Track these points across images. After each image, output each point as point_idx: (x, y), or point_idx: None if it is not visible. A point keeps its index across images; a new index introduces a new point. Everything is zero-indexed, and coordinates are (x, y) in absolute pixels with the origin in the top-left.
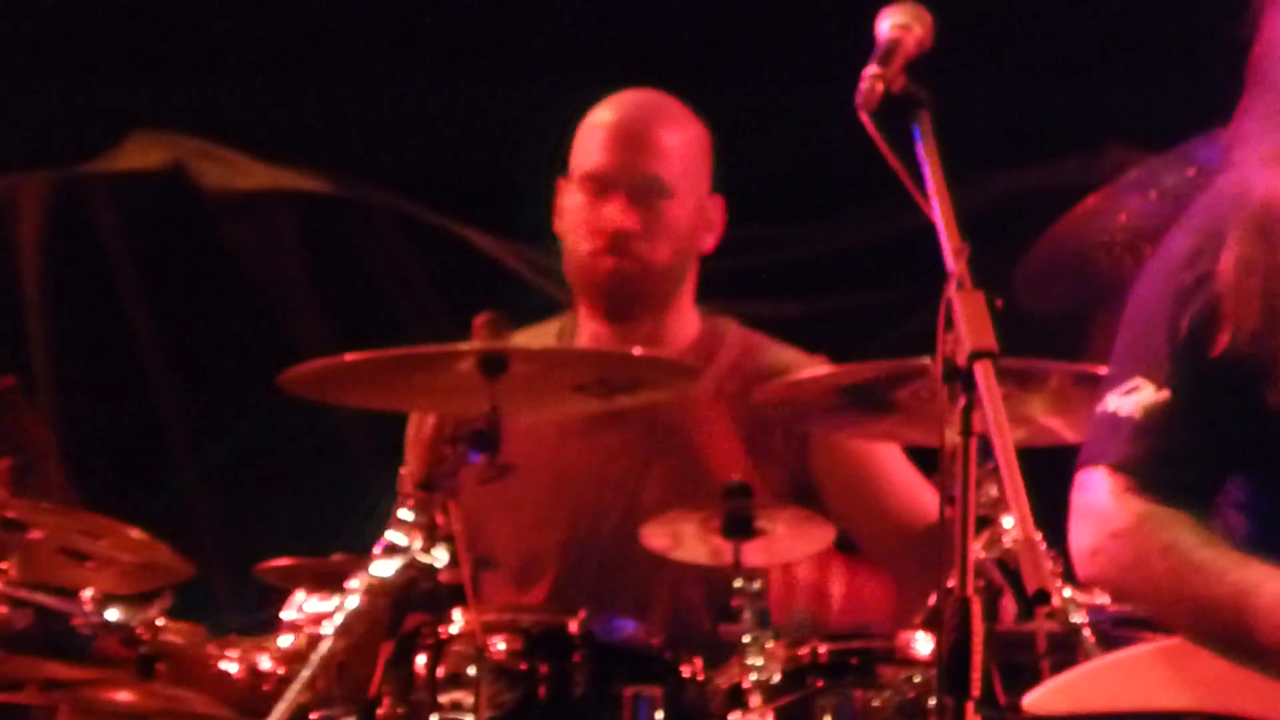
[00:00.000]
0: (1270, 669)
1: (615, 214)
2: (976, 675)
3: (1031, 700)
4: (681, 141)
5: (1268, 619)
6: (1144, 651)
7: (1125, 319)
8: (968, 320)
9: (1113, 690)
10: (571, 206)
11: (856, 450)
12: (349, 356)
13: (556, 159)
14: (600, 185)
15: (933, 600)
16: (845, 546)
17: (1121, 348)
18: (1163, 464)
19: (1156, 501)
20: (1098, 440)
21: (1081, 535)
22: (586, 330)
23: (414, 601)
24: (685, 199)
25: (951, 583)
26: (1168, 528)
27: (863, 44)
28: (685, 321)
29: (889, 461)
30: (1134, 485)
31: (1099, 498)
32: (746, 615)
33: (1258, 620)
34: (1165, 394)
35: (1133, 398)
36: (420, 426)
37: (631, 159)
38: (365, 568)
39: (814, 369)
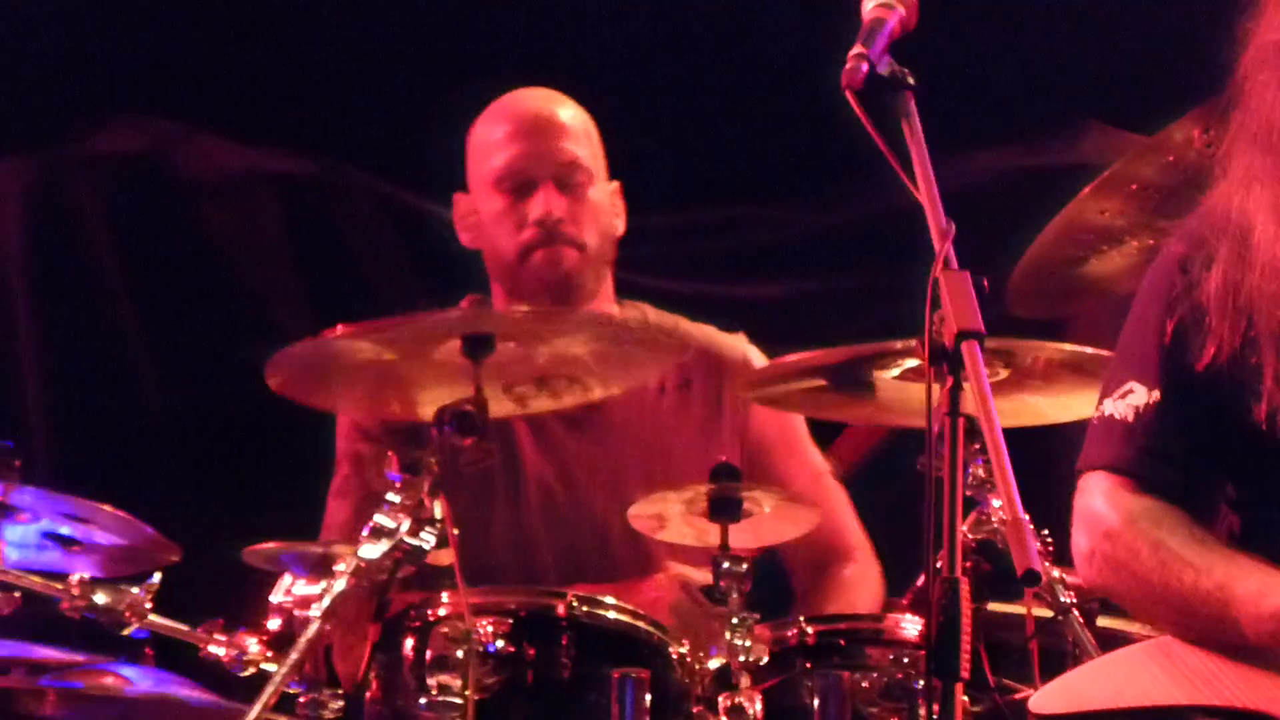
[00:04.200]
0: (1256, 660)
1: (542, 204)
2: (965, 656)
3: (1035, 701)
4: (584, 125)
5: (1251, 612)
6: (1139, 648)
7: (1125, 325)
8: (954, 300)
9: (1112, 688)
10: (490, 211)
11: (781, 422)
12: (340, 328)
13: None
14: (521, 180)
15: (920, 581)
16: None
17: (1118, 353)
18: (1155, 462)
19: (1150, 498)
20: (1094, 444)
21: (1079, 539)
22: None
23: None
24: (600, 180)
25: (940, 564)
26: (1157, 524)
27: (844, 27)
28: (608, 310)
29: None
30: (1128, 484)
31: (1094, 501)
32: (734, 597)
33: (1241, 613)
34: (1155, 395)
35: (1126, 400)
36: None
37: (548, 146)
38: (353, 551)
39: (740, 345)
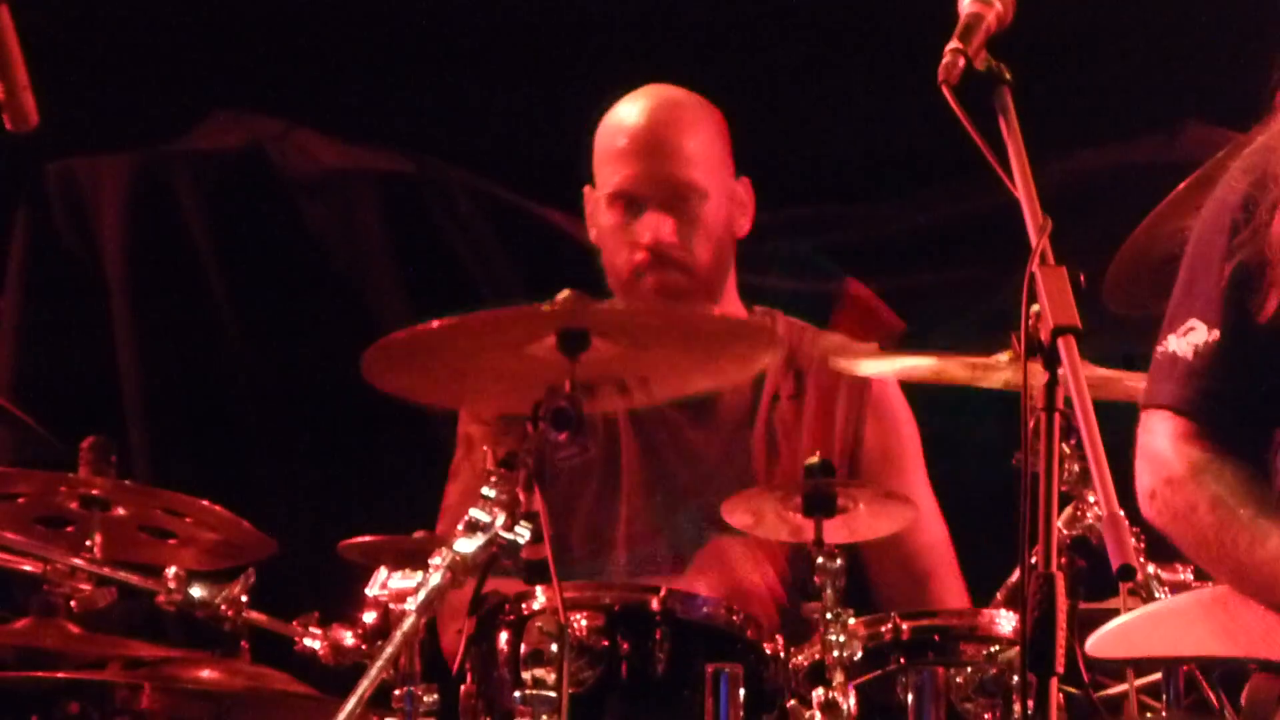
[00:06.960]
0: None
1: (651, 228)
2: (1060, 652)
3: (1092, 645)
4: (704, 139)
5: None
6: (1197, 598)
7: (1184, 259)
8: (1051, 296)
9: (1169, 636)
10: (606, 224)
11: (891, 445)
12: (435, 323)
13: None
14: (632, 201)
15: (1015, 577)
16: None
17: (1179, 288)
18: (1216, 404)
19: (1213, 447)
20: (1156, 381)
21: (1142, 476)
22: None
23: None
24: (717, 195)
25: (1035, 559)
26: (1219, 479)
27: (935, 21)
28: (732, 313)
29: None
30: (1192, 430)
31: (1159, 442)
32: (828, 593)
33: None
34: (1215, 334)
35: (1187, 339)
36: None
37: (659, 168)
38: (448, 544)
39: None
